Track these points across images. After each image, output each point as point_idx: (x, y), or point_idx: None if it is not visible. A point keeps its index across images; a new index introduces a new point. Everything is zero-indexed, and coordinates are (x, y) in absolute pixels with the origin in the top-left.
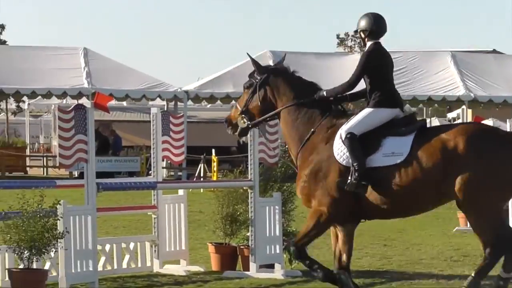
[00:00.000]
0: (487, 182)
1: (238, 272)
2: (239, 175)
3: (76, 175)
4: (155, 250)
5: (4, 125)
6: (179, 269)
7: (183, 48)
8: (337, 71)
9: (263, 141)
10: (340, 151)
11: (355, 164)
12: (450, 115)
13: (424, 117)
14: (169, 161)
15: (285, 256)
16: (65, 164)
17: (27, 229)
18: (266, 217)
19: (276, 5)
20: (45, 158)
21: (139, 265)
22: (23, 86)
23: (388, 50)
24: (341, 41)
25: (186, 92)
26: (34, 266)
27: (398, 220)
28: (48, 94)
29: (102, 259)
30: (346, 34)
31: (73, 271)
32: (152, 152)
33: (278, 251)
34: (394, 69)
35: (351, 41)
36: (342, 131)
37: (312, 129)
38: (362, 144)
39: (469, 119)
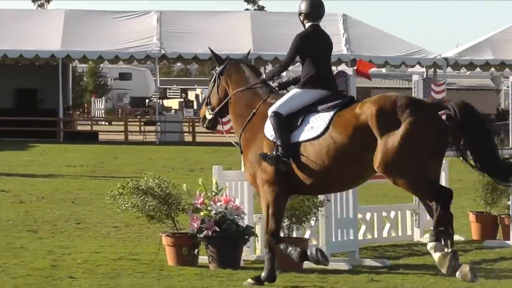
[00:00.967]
0: (402, 149)
1: (498, 241)
2: (500, 143)
3: None
4: (415, 219)
5: None
6: None
7: (442, 15)
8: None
9: None
10: (269, 129)
11: (278, 141)
12: None
13: None
14: None
15: None
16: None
17: None
18: None
19: None
20: None
21: (400, 234)
22: (280, 52)
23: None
24: None
25: (446, 59)
26: (294, 234)
27: None
28: None
29: (363, 228)
30: None
31: (333, 239)
32: None
33: None
34: None
35: None
36: (269, 111)
37: (253, 111)
38: (289, 121)
39: None
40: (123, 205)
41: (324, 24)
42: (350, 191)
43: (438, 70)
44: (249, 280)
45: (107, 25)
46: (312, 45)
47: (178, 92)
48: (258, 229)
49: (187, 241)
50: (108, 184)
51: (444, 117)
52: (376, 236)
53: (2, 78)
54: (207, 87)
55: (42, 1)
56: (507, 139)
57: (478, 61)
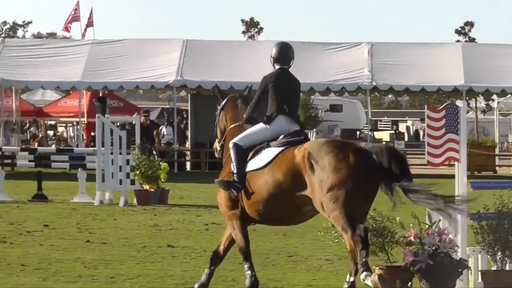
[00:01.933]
0: (324, 187)
1: None
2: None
3: None
4: None
5: (473, 123)
6: None
7: None
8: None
9: None
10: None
11: (234, 169)
12: None
13: None
14: None
15: None
16: (433, 163)
17: (502, 230)
18: None
19: None
20: None
21: None
22: (492, 84)
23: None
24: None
25: None
26: (507, 267)
27: None
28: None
29: None
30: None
31: None
32: None
33: None
34: None
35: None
36: (231, 142)
37: None
38: (247, 153)
39: None
40: (336, 238)
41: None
42: None
43: None
44: None
45: (318, 57)
46: (276, 85)
47: (389, 124)
48: (472, 262)
49: (401, 274)
50: (319, 216)
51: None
52: None
53: (214, 109)
54: (418, 119)
55: (252, 33)
56: None
57: None
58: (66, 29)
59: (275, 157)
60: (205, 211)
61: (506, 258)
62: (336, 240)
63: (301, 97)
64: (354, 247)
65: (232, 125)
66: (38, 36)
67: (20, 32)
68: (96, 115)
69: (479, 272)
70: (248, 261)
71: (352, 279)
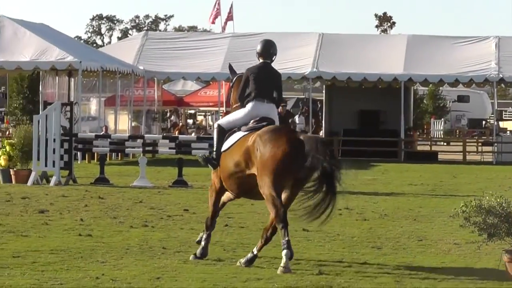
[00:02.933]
0: (262, 170)
1: None
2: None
3: None
4: None
5: None
6: None
7: None
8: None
9: None
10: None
11: (214, 147)
12: None
13: None
14: None
15: None
16: None
17: None
18: None
19: None
20: None
21: None
22: None
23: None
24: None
25: None
26: None
27: None
28: None
29: None
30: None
31: None
32: None
33: None
34: None
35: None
36: (216, 123)
37: None
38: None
39: None
40: (467, 223)
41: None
42: None
43: None
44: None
45: (447, 50)
46: (256, 76)
47: None
48: None
49: None
50: (448, 202)
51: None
52: None
53: (347, 100)
54: None
55: (385, 27)
56: None
57: None
58: (213, 22)
59: (237, 140)
60: (339, 196)
61: None
62: (467, 225)
63: (430, 88)
64: (274, 226)
65: (235, 105)
66: (179, 29)
67: (162, 26)
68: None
69: None
70: (207, 231)
71: (256, 252)
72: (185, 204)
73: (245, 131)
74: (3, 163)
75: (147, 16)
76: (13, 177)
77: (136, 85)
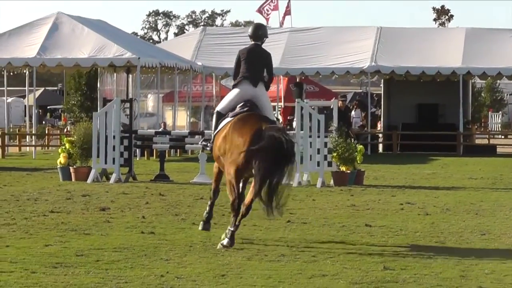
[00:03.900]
0: (228, 158)
1: None
2: None
3: None
4: None
5: None
6: None
7: None
8: None
9: None
10: None
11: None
12: None
13: None
14: None
15: None
16: None
17: None
18: None
19: None
20: None
21: None
22: None
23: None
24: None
25: None
26: None
27: None
28: None
29: None
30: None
31: None
32: None
33: None
34: None
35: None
36: (215, 110)
37: None
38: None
39: None
40: None
41: None
42: None
43: None
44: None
45: (506, 43)
46: (246, 57)
47: None
48: None
49: None
50: (509, 196)
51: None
52: None
53: (405, 93)
54: None
55: (443, 20)
56: None
57: None
58: (260, 12)
59: (223, 126)
60: (399, 191)
61: None
62: None
63: (488, 81)
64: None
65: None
66: (236, 24)
67: (218, 21)
68: (296, 100)
69: None
70: (212, 200)
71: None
72: None
73: (230, 117)
74: (62, 160)
75: (203, 12)
76: (72, 174)
77: (194, 81)
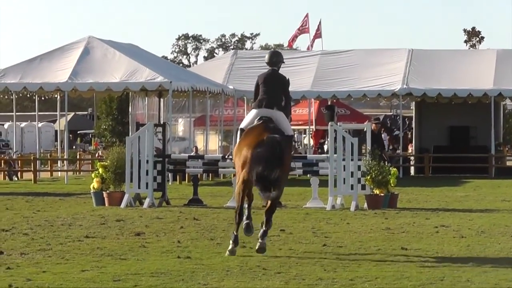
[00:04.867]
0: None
1: None
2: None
3: None
4: None
5: None
6: None
7: None
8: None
9: None
10: None
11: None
12: None
13: None
14: None
15: None
16: None
17: None
18: None
19: None
20: None
21: None
22: None
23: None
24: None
25: None
26: None
27: None
28: None
29: None
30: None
31: None
32: None
33: None
34: None
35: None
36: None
37: None
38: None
39: None
40: None
41: None
42: None
43: None
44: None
45: None
46: (264, 81)
47: None
48: None
49: None
50: None
51: None
52: None
53: (437, 116)
54: None
55: (474, 42)
56: None
57: None
58: (290, 46)
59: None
60: (433, 214)
61: None
62: None
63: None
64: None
65: None
66: (266, 47)
67: (248, 44)
68: (329, 123)
69: None
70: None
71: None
72: (280, 224)
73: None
74: (96, 185)
75: (233, 35)
76: (106, 199)
77: (225, 105)
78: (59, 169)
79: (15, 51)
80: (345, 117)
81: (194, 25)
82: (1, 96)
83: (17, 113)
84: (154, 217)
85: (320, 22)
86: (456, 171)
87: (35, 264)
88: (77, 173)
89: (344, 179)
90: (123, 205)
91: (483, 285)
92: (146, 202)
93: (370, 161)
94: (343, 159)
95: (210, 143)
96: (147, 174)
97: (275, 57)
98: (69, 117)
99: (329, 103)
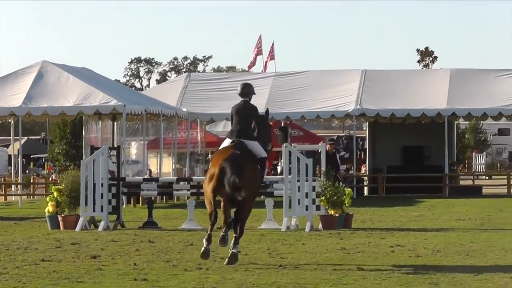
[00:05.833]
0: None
1: None
2: None
3: None
4: None
5: None
6: None
7: None
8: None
9: None
10: None
11: None
12: None
13: None
14: None
15: None
16: None
17: None
18: None
19: None
20: None
21: None
22: None
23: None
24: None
25: None
26: None
27: None
28: None
29: None
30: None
31: None
32: None
33: None
34: None
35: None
36: None
37: None
38: None
39: None
40: None
41: None
42: None
43: None
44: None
45: (490, 83)
46: (236, 112)
47: None
48: None
49: None
50: (499, 236)
51: None
52: None
53: (390, 136)
54: None
55: (427, 62)
56: None
57: None
58: (250, 67)
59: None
60: (388, 233)
61: None
62: None
63: (472, 122)
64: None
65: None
66: (218, 70)
67: (200, 67)
68: (284, 144)
69: None
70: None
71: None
72: None
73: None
74: (51, 209)
75: (185, 58)
76: (61, 223)
77: (179, 127)
78: (13, 193)
79: None
80: (299, 138)
81: (147, 49)
82: None
83: None
84: (110, 240)
85: (273, 44)
86: (410, 191)
87: None
88: (31, 197)
89: (298, 200)
90: (78, 228)
91: None
92: (101, 225)
93: (325, 182)
94: (298, 180)
95: (164, 166)
96: (102, 197)
97: (246, 89)
98: (22, 141)
99: (282, 125)
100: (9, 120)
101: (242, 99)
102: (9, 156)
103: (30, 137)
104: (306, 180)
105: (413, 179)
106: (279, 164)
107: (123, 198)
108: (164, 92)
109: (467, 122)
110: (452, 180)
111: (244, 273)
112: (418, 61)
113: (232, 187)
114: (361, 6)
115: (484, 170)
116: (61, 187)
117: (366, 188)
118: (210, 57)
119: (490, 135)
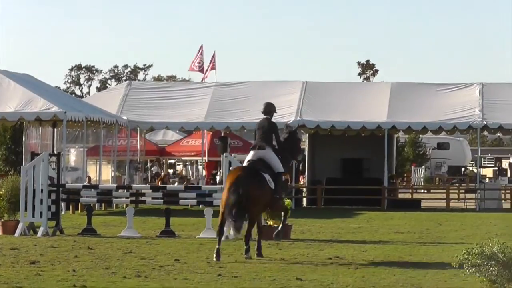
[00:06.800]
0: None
1: None
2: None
3: None
4: None
5: None
6: None
7: None
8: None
9: None
10: None
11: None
12: None
13: None
14: None
15: None
16: None
17: None
18: None
19: None
20: None
21: None
22: None
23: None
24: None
25: None
26: None
27: None
28: None
29: None
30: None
31: None
32: None
33: None
34: None
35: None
36: None
37: None
38: None
39: None
40: (468, 270)
41: None
42: None
43: None
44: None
45: (431, 97)
46: (258, 128)
47: (492, 161)
48: None
49: None
50: (437, 249)
51: None
52: None
53: (330, 148)
54: None
55: (368, 75)
56: None
57: None
58: (192, 69)
59: None
60: (327, 245)
61: None
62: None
63: (410, 136)
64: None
65: None
66: (159, 78)
67: (141, 75)
68: (223, 154)
69: None
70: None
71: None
72: (175, 254)
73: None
74: None
75: (126, 66)
76: (0, 228)
77: (119, 135)
78: None
79: None
80: (238, 149)
81: (87, 56)
82: None
83: None
84: (49, 246)
85: (214, 54)
86: (349, 203)
87: None
88: None
89: None
90: (17, 233)
91: None
92: (40, 231)
93: None
94: None
95: (103, 173)
96: (41, 203)
97: (268, 108)
98: None
99: (222, 135)
100: None
101: (264, 116)
102: None
103: None
104: None
105: (352, 191)
106: (218, 173)
107: (62, 204)
108: (104, 100)
109: (407, 136)
110: (391, 193)
111: (183, 281)
112: (359, 74)
113: (230, 211)
114: (303, 17)
115: (423, 183)
116: (0, 193)
117: (305, 200)
118: (150, 65)
119: (429, 149)
